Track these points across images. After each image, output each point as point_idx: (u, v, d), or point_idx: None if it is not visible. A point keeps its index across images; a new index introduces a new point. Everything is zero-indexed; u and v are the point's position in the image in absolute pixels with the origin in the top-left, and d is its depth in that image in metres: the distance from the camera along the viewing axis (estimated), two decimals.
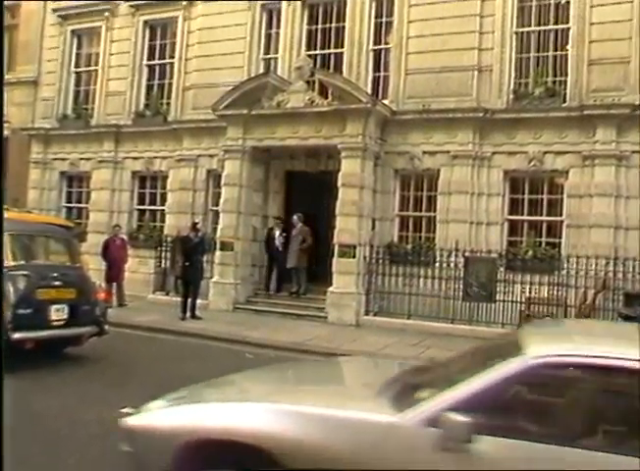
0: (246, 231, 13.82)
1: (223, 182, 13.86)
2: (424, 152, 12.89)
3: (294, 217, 13.48)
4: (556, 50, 12.49)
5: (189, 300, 12.10)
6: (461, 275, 11.67)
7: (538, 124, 12.07)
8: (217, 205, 14.28)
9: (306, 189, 14.00)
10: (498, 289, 11.45)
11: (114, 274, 13.17)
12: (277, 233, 13.72)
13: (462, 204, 12.44)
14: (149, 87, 16.52)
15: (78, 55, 17.61)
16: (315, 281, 13.56)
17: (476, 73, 12.65)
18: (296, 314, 12.64)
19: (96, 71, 17.09)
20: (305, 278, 13.41)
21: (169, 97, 16.06)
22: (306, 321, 12.30)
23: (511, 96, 12.58)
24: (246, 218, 13.83)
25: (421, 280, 12.10)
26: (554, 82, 12.38)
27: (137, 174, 16.34)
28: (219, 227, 13.78)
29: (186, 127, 15.30)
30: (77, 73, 17.64)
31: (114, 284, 13.11)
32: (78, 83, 17.57)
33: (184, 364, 8.01)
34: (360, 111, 12.44)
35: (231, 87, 13.57)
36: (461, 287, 11.65)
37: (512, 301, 11.33)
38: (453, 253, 11.76)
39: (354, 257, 12.41)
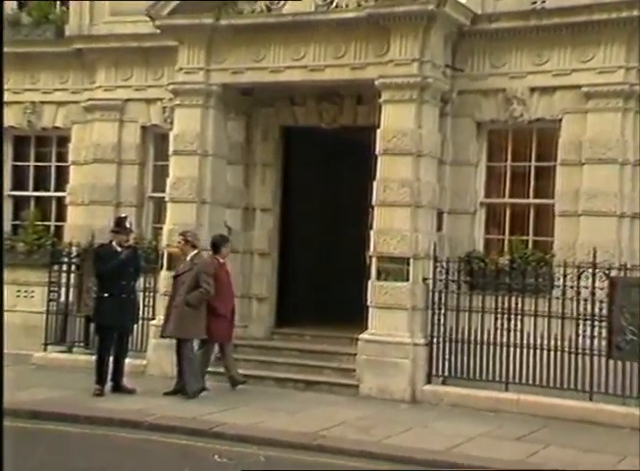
0: (215, 234, 13.89)
1: (172, 147, 14.01)
2: (532, 89, 12.96)
3: (186, 236, 12.41)
4: None
5: (111, 360, 12.16)
6: (604, 311, 11.63)
7: None
8: (162, 190, 14.44)
9: (319, 160, 14.05)
10: None
11: None
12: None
13: (605, 183, 12.42)
14: None
15: None
16: (336, 321, 13.60)
17: None
18: (305, 381, 12.78)
19: None
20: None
21: None
22: (322, 393, 12.41)
23: None
24: (215, 211, 13.97)
25: (529, 320, 12.09)
26: None
27: (11, 132, 16.55)
28: (165, 227, 13.90)
29: (101, 47, 15.46)
30: None
31: None
32: None
33: None
34: (415, 17, 12.50)
35: None
36: (605, 333, 11.61)
37: None
38: (589, 272, 11.74)
39: (407, 280, 12.51)
